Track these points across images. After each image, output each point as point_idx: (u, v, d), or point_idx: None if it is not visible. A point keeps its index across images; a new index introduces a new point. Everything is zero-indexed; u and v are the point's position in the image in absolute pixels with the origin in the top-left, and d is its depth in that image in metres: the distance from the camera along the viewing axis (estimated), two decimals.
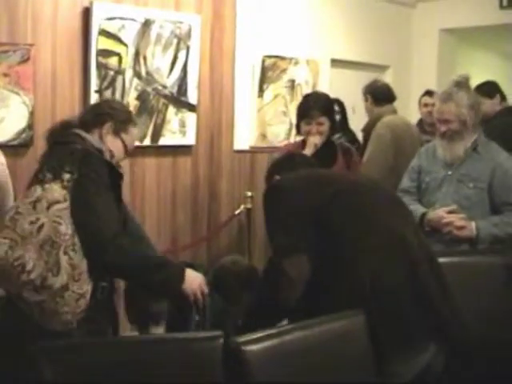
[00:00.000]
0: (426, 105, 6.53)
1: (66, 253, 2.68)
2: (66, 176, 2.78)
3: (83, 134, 3.01)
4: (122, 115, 3.14)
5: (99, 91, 5.05)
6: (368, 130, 5.43)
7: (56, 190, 2.75)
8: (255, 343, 2.13)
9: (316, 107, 4.38)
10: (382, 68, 7.61)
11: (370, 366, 2.43)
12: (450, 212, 3.95)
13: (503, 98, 6.07)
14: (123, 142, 3.11)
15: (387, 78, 7.36)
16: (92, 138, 3.02)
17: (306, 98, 4.61)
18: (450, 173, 4.04)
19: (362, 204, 2.92)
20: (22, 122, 4.68)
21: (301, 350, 2.23)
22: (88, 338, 2.56)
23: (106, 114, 3.09)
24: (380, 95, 5.50)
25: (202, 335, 2.12)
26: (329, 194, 2.89)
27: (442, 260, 3.45)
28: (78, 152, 2.86)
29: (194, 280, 2.81)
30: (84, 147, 2.91)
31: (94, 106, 3.35)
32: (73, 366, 2.08)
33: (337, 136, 5.61)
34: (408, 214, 3.19)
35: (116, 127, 3.08)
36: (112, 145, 3.07)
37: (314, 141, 4.31)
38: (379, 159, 5.07)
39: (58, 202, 2.73)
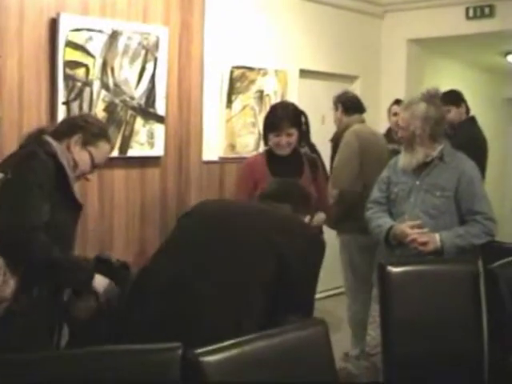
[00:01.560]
0: (395, 114, 6.58)
1: None
2: (0, 175, 2.92)
3: (50, 140, 3.12)
4: (94, 129, 3.24)
5: (67, 103, 5.04)
6: (336, 139, 5.46)
7: None
8: (214, 354, 2.12)
9: (285, 119, 4.38)
10: (351, 78, 7.67)
11: (332, 376, 2.44)
12: (414, 227, 3.99)
13: (467, 107, 6.16)
14: (91, 155, 3.21)
15: (356, 88, 7.42)
16: (56, 144, 3.11)
17: (274, 109, 4.59)
18: (417, 183, 4.10)
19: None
20: None
21: (261, 360, 2.23)
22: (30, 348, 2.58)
23: (77, 125, 3.22)
24: (351, 105, 5.54)
25: (159, 346, 2.11)
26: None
27: (407, 268, 3.51)
28: (22, 153, 3.00)
29: (99, 280, 3.06)
30: (32, 149, 3.02)
31: (69, 118, 3.53)
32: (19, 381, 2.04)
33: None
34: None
35: (85, 139, 3.19)
36: (78, 156, 3.18)
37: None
38: (347, 166, 5.11)
39: None
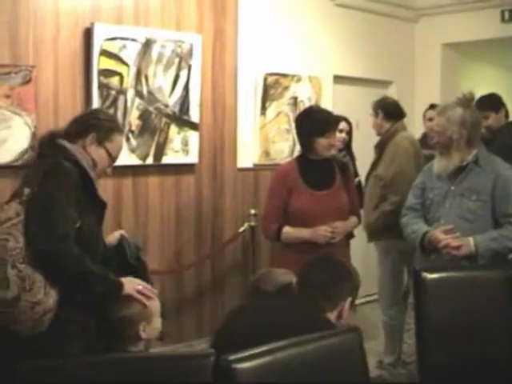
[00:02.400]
0: (430, 119, 6.51)
1: (14, 266, 2.80)
2: (26, 191, 2.92)
3: (66, 144, 3.10)
4: (106, 125, 3.21)
5: None
6: (382, 145, 5.43)
7: (11, 208, 2.90)
8: (247, 361, 2.11)
9: (333, 120, 4.43)
10: (385, 83, 7.63)
11: (366, 383, 2.43)
12: (447, 232, 3.96)
13: (506, 112, 6.08)
14: (107, 150, 3.19)
15: (391, 93, 7.35)
16: (73, 147, 3.10)
17: (313, 113, 4.51)
18: (452, 188, 4.07)
19: None
20: (25, 143, 4.71)
21: (294, 367, 2.21)
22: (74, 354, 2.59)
23: (90, 124, 3.18)
24: (393, 111, 5.51)
25: (192, 353, 2.12)
26: None
27: (442, 275, 3.49)
28: (44, 165, 2.97)
29: (129, 284, 2.98)
30: (56, 160, 2.99)
31: (79, 117, 3.36)
32: None
33: (342, 154, 5.67)
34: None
35: (100, 137, 3.16)
36: (96, 154, 3.15)
37: None
38: (408, 174, 5.07)
39: (9, 219, 2.87)
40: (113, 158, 3.25)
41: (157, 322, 3.02)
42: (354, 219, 4.51)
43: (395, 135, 5.33)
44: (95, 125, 3.18)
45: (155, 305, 3.06)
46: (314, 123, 4.39)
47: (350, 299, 3.02)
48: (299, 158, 4.50)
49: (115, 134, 3.22)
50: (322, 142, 4.30)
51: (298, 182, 4.35)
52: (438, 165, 4.13)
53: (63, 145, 3.10)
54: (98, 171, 3.20)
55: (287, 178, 4.38)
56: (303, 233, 4.26)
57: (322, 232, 4.20)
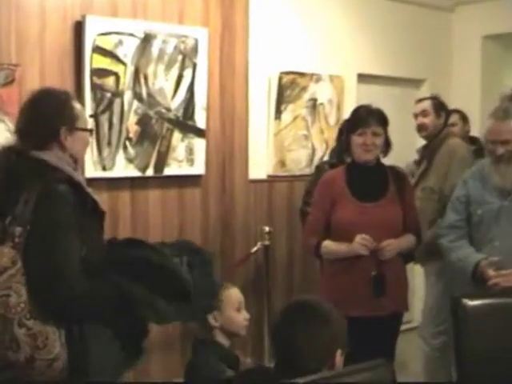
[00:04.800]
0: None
1: (22, 325, 2.72)
2: (18, 230, 2.79)
3: (42, 155, 2.94)
4: (68, 111, 3.03)
5: (95, 115, 5.07)
6: (431, 153, 5.39)
7: (4, 255, 2.77)
8: None
9: (371, 115, 4.26)
10: (417, 82, 7.59)
11: None
12: (496, 266, 3.87)
13: None
14: (82, 129, 3.08)
15: (423, 93, 7.30)
16: (51, 157, 2.95)
17: (357, 108, 4.49)
18: (506, 203, 3.96)
19: None
20: None
21: None
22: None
23: (54, 123, 3.00)
24: (448, 113, 5.56)
25: None
26: None
27: (485, 301, 3.45)
28: (32, 197, 2.82)
29: None
30: (44, 185, 2.84)
31: (37, 119, 3.02)
32: None
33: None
34: None
35: (70, 126, 3.01)
36: (74, 144, 3.03)
37: None
38: None
39: (5, 269, 2.75)
40: (91, 133, 3.25)
41: (232, 314, 3.54)
42: (410, 237, 4.29)
43: (445, 141, 5.31)
44: (59, 120, 3.00)
45: (229, 295, 3.56)
46: (349, 120, 4.40)
47: (339, 351, 2.71)
48: (349, 165, 4.38)
49: (76, 107, 3.08)
50: (355, 140, 4.20)
51: (343, 191, 4.23)
52: (509, 175, 3.98)
53: (40, 157, 2.93)
54: (81, 156, 3.14)
55: (332, 187, 4.29)
56: (341, 247, 4.15)
57: (358, 239, 4.05)
